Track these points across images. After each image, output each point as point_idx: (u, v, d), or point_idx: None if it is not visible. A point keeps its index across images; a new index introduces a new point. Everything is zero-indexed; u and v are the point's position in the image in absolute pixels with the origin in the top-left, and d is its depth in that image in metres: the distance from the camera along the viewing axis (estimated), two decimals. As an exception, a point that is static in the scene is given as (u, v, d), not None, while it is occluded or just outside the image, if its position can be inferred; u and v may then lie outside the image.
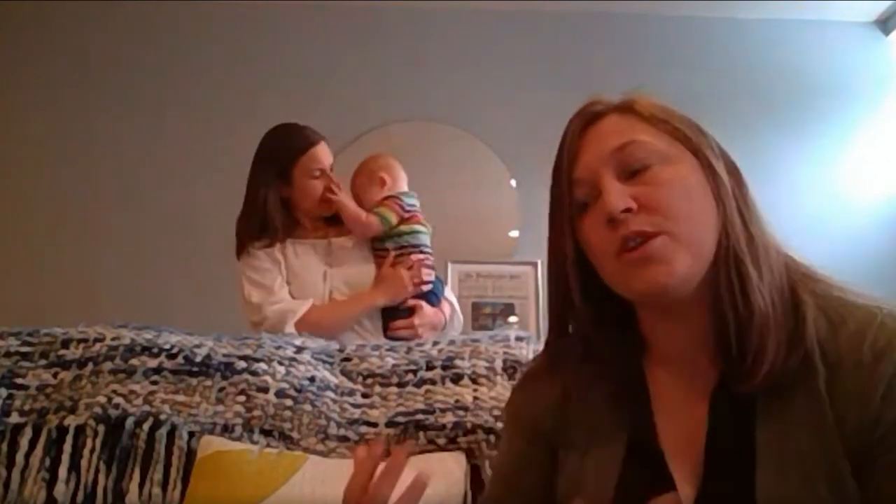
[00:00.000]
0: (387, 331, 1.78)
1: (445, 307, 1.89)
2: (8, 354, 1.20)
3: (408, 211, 1.84)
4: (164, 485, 1.07)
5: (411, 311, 1.78)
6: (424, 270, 1.81)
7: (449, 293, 1.95)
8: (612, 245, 0.70)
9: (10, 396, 1.14)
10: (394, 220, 1.82)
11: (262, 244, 1.78)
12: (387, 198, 1.86)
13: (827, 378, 0.65)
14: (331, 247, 1.84)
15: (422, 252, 1.85)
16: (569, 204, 0.74)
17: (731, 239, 0.70)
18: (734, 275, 0.69)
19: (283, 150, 1.82)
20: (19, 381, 1.16)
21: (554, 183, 0.77)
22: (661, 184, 0.70)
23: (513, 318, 2.95)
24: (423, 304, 1.80)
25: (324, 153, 1.84)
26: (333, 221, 1.88)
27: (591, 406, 0.77)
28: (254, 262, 1.77)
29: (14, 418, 1.12)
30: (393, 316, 1.79)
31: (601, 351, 0.76)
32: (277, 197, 1.80)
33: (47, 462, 1.08)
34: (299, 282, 1.78)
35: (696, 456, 0.69)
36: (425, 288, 1.81)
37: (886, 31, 3.28)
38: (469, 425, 1.10)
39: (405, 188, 1.93)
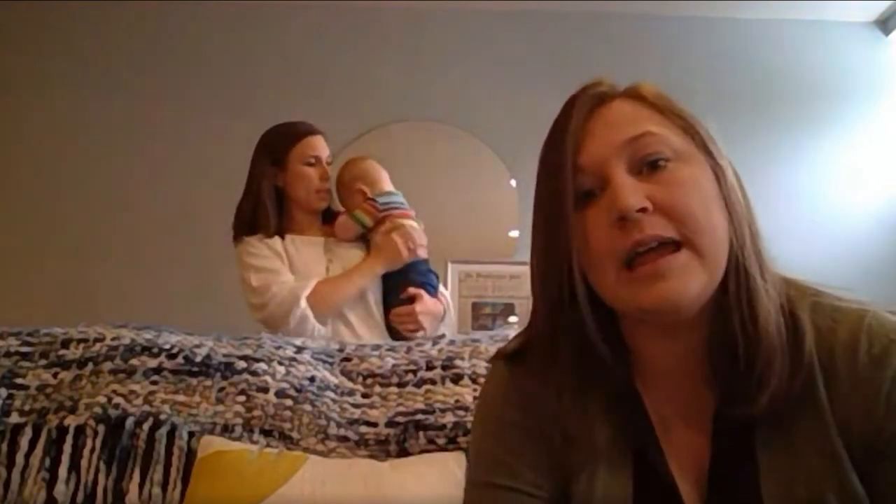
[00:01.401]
0: (388, 315, 1.81)
1: (442, 300, 1.92)
2: (8, 354, 1.19)
3: (382, 210, 1.88)
4: (164, 485, 1.07)
5: (412, 300, 1.81)
6: (417, 236, 1.85)
7: (443, 290, 1.97)
8: (619, 248, 0.63)
9: (10, 396, 1.14)
10: (368, 220, 1.87)
11: (257, 237, 1.81)
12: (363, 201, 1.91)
13: (826, 388, 0.64)
14: (329, 244, 1.88)
15: None
16: (572, 193, 0.66)
17: (741, 253, 0.65)
18: (744, 292, 0.64)
19: (279, 138, 1.88)
20: (19, 381, 1.16)
21: (549, 169, 0.68)
22: (678, 184, 0.64)
23: (513, 318, 2.95)
24: (423, 293, 1.83)
25: (320, 144, 1.88)
26: (327, 222, 1.93)
27: (589, 419, 0.70)
28: (252, 250, 1.80)
29: (14, 418, 1.12)
30: (395, 305, 1.82)
31: (592, 360, 0.68)
32: (272, 185, 1.85)
33: (47, 462, 1.08)
34: (301, 275, 1.79)
35: (700, 481, 0.67)
36: (420, 253, 1.85)
37: (886, 31, 3.28)
38: (469, 425, 1.10)
39: (387, 187, 1.95)
